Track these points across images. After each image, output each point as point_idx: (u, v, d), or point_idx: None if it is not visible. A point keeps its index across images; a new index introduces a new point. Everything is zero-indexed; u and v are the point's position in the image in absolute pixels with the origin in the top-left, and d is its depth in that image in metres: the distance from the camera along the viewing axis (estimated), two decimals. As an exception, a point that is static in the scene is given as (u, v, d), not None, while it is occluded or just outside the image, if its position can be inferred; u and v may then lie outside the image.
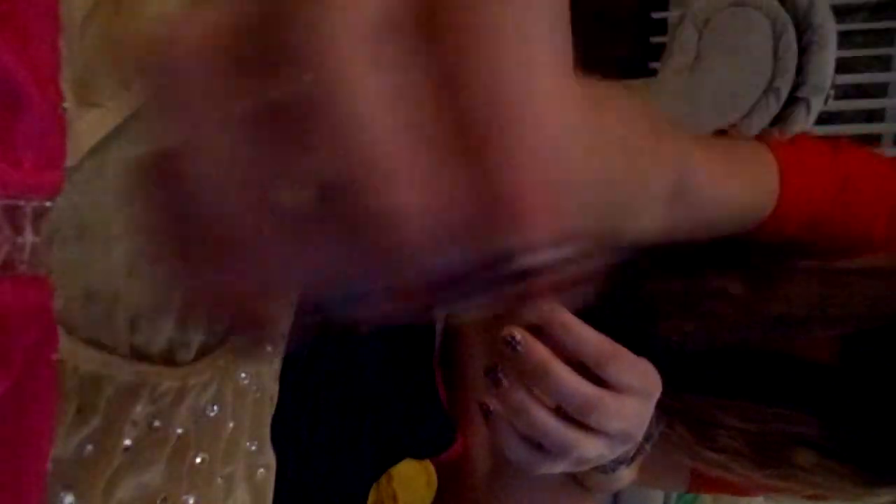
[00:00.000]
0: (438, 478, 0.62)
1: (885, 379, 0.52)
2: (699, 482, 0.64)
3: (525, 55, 0.12)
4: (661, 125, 0.43)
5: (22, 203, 0.22)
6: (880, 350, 0.52)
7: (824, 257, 0.55)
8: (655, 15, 1.89)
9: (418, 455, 0.60)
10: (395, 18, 0.13)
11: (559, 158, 0.13)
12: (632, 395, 0.41)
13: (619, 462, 0.49)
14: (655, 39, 1.88)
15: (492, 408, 0.44)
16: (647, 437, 0.48)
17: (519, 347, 0.40)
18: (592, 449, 0.41)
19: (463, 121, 0.12)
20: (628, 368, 0.41)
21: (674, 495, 1.13)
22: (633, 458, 0.49)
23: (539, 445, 0.43)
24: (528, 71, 0.12)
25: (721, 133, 0.62)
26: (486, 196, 0.12)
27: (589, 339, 0.41)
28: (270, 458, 0.37)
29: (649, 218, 0.44)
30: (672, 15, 1.85)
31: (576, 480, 0.62)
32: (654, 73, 1.25)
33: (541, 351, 0.40)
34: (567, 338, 0.40)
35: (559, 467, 0.44)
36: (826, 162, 0.55)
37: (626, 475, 0.57)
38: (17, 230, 0.22)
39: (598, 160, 0.34)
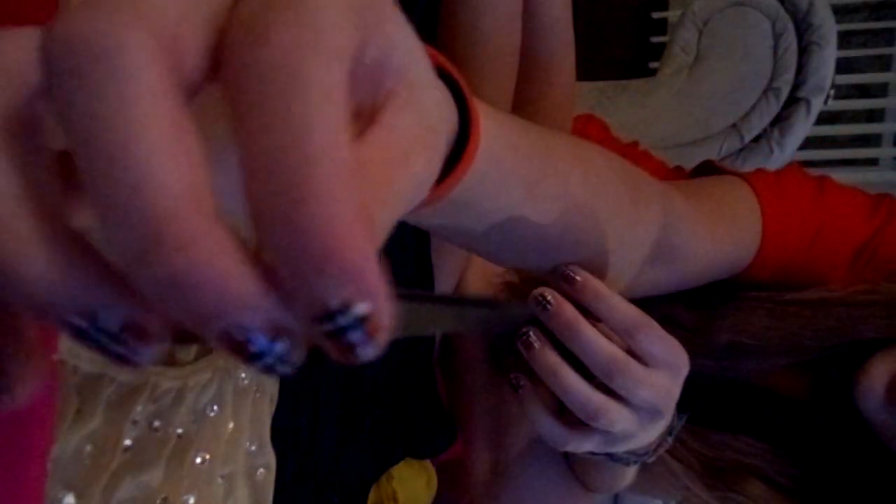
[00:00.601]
0: (438, 478, 0.62)
1: (850, 417, 0.53)
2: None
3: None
4: (645, 185, 0.44)
5: None
6: (848, 388, 0.53)
7: (775, 290, 0.57)
8: (655, 15, 1.89)
9: (418, 455, 0.60)
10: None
11: (363, 211, 0.14)
12: (660, 368, 0.41)
13: (640, 455, 0.48)
14: (655, 39, 1.88)
15: (522, 382, 0.45)
16: (669, 431, 0.48)
17: (549, 307, 0.41)
18: (619, 418, 0.41)
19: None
20: (658, 341, 0.41)
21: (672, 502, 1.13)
22: (655, 451, 0.49)
23: (567, 420, 0.44)
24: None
25: (711, 168, 0.64)
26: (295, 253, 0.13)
27: (620, 308, 0.41)
28: (270, 458, 0.37)
29: (629, 276, 0.45)
30: (672, 15, 1.85)
31: (578, 480, 0.62)
32: (654, 73, 1.25)
33: (570, 310, 0.41)
34: (599, 306, 0.41)
35: (587, 443, 0.44)
36: (806, 209, 0.57)
37: (629, 475, 0.58)
38: None
39: (535, 209, 0.35)
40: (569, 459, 0.63)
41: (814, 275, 0.57)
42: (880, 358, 0.52)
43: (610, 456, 0.49)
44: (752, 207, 0.55)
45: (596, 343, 0.40)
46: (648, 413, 0.42)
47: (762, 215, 0.55)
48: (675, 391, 0.43)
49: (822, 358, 0.55)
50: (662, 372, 0.41)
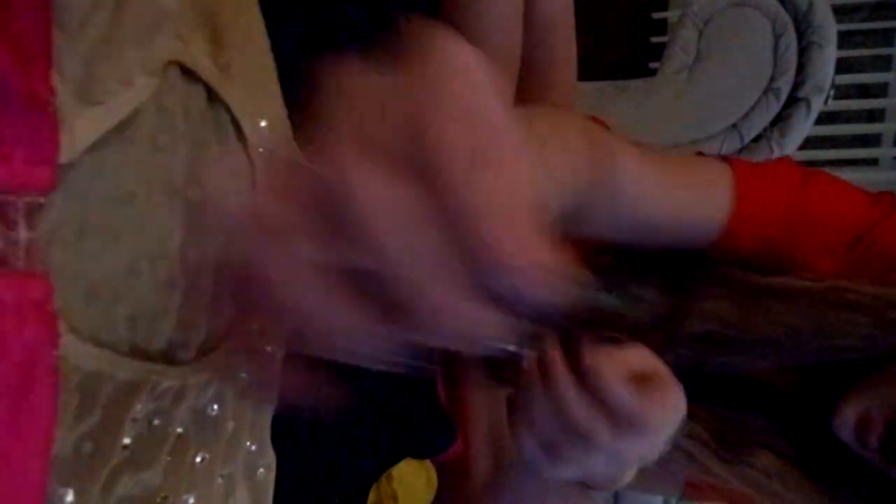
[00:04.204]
0: (438, 478, 0.62)
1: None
2: (692, 490, 0.64)
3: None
4: (599, 136, 0.46)
5: (13, 198, 0.22)
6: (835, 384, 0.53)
7: (752, 272, 0.56)
8: (655, 15, 1.89)
9: (418, 455, 0.60)
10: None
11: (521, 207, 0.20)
12: (648, 433, 0.42)
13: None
14: (655, 39, 1.88)
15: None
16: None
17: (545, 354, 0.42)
18: (594, 464, 0.43)
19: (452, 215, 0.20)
20: (658, 410, 0.41)
21: (672, 500, 1.13)
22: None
23: (551, 449, 0.44)
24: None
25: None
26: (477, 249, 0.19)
27: (620, 394, 0.41)
28: (270, 458, 0.37)
29: (556, 202, 0.46)
30: (672, 15, 1.85)
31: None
32: (654, 73, 1.25)
33: (560, 365, 0.42)
34: (602, 388, 0.41)
35: (569, 471, 0.45)
36: (789, 189, 0.57)
37: (630, 472, 0.57)
38: (10, 225, 0.22)
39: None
40: None
41: (794, 257, 0.57)
42: (852, 398, 0.52)
43: None
44: (722, 173, 0.55)
45: (568, 399, 0.41)
46: (626, 461, 0.44)
47: (734, 180, 0.55)
48: (657, 444, 0.43)
49: (808, 370, 0.56)
50: (648, 436, 0.42)
